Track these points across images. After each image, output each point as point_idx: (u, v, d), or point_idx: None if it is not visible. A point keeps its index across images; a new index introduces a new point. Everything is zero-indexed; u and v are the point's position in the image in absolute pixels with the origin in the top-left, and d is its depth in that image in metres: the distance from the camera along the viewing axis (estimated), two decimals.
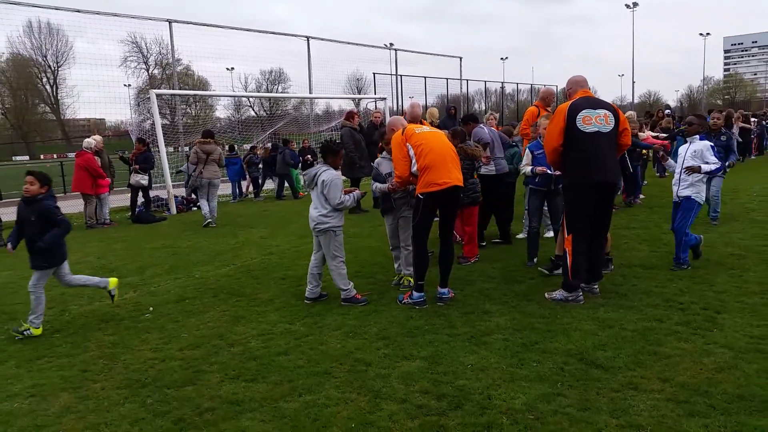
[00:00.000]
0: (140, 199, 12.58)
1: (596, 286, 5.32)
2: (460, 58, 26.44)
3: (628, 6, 60.63)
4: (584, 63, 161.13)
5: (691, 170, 5.85)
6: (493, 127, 8.54)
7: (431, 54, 45.73)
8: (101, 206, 11.71)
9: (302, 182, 14.81)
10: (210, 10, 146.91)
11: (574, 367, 3.78)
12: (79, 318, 5.49)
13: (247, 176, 16.24)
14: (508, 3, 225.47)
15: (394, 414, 3.29)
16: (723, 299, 4.98)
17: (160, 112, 14.51)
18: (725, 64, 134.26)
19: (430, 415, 3.25)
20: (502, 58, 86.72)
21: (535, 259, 6.56)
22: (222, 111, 37.95)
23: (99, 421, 3.41)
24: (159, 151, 13.41)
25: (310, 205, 5.54)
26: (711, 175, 6.18)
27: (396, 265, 6.12)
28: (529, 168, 6.41)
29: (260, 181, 16.27)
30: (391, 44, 25.59)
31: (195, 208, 13.38)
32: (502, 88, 36.27)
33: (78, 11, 13.32)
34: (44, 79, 68.99)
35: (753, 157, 19.27)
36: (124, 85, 23.50)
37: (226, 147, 16.05)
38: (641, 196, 10.79)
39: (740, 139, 17.57)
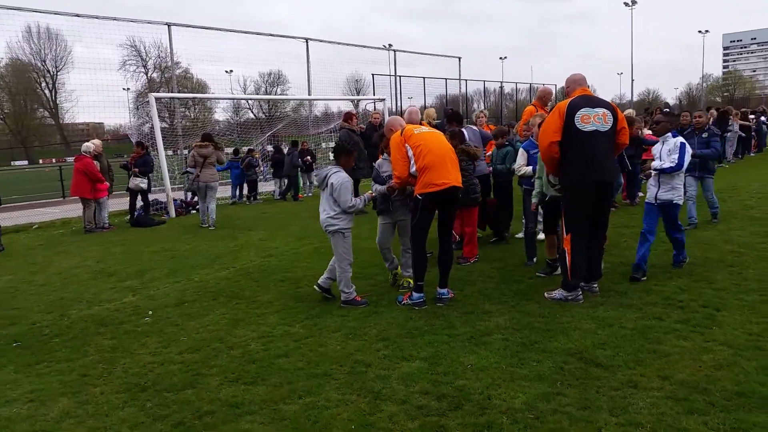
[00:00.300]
0: (139, 203, 12.60)
1: (595, 285, 5.32)
2: (459, 58, 26.41)
3: (626, 4, 60.54)
4: (583, 61, 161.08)
5: (647, 169, 5.73)
6: (484, 126, 8.52)
7: (430, 54, 45.81)
8: (100, 210, 11.70)
9: (314, 182, 15.18)
10: (210, 11, 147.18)
11: (574, 366, 3.78)
12: (78, 322, 5.48)
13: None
14: (507, 1, 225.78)
15: (395, 415, 3.29)
16: (722, 297, 4.98)
17: (159, 116, 14.50)
18: (724, 61, 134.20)
19: (430, 416, 3.25)
20: (501, 58, 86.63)
21: (534, 259, 6.56)
22: (221, 113, 37.94)
23: (98, 426, 3.40)
24: (158, 155, 13.42)
25: (318, 207, 5.54)
26: (663, 172, 5.66)
27: (387, 264, 6.12)
28: (525, 169, 6.39)
29: (258, 180, 16.37)
30: (390, 45, 25.60)
31: (194, 211, 13.40)
32: (501, 87, 36.25)
33: (77, 15, 13.32)
34: (43, 84, 69.18)
35: (752, 155, 19.26)
36: (123, 88, 23.41)
37: (230, 150, 16.16)
38: (640, 194, 10.78)
39: (743, 134, 17.64)
